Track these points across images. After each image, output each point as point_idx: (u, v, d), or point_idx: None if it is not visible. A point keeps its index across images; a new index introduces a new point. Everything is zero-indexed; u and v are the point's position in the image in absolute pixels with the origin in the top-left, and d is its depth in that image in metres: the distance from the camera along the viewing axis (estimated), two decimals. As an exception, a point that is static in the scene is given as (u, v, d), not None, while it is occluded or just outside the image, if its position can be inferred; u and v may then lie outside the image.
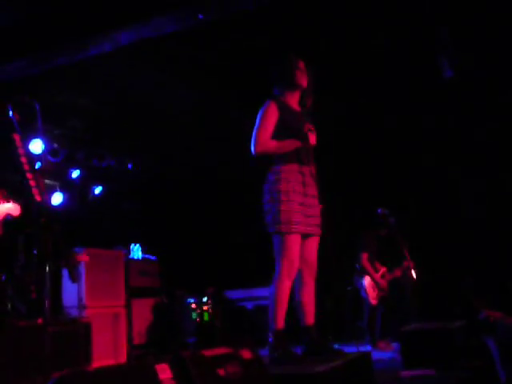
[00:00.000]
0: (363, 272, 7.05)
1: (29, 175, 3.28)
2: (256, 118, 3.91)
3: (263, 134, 3.82)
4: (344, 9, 5.79)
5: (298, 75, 3.98)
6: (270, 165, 3.90)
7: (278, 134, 3.86)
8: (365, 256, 7.01)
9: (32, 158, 3.46)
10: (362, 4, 5.72)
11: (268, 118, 3.86)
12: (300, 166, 3.86)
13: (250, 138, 3.88)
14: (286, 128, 3.87)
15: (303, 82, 4.01)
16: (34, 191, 3.25)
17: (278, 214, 3.73)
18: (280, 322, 3.68)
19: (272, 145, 3.83)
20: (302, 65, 4.03)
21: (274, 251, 3.81)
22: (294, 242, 3.73)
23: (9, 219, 4.06)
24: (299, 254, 3.77)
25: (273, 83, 4.08)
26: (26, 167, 3.29)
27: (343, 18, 5.97)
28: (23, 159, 3.30)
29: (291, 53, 4.08)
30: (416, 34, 6.17)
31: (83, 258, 6.25)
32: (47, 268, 3.40)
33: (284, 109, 3.91)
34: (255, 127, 3.86)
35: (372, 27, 6.16)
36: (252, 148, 3.83)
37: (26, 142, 7.26)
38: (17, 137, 3.36)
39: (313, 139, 3.95)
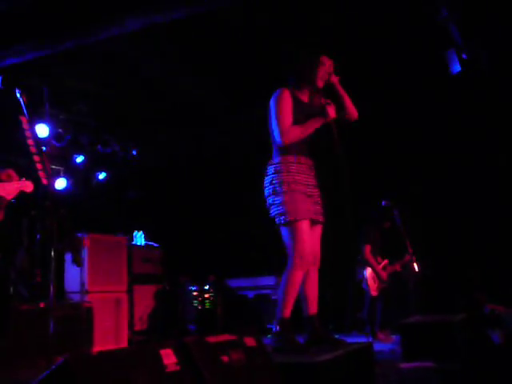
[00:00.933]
0: (365, 264, 7.08)
1: (35, 158, 3.27)
2: (270, 108, 3.87)
3: (286, 122, 3.78)
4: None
5: (320, 75, 3.94)
6: (271, 158, 3.89)
7: None
8: (368, 248, 7.03)
9: (38, 141, 3.45)
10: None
11: (285, 105, 3.81)
12: (297, 156, 3.85)
13: (271, 128, 3.85)
14: (295, 120, 3.84)
15: (321, 82, 3.97)
16: (41, 174, 3.25)
17: (283, 205, 3.73)
18: (287, 311, 3.70)
19: (298, 131, 3.79)
20: (329, 63, 3.98)
21: (285, 243, 3.80)
22: (302, 231, 3.72)
23: (13, 202, 4.05)
24: (310, 242, 3.77)
25: (289, 73, 4.02)
26: (33, 150, 3.28)
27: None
28: (30, 142, 3.30)
29: (320, 50, 4.02)
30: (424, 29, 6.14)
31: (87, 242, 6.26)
32: (52, 252, 3.41)
33: (295, 100, 3.89)
34: (274, 117, 3.80)
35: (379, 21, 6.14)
36: (278, 139, 3.76)
37: (32, 125, 7.27)
38: (24, 119, 3.35)
39: (332, 112, 3.91)
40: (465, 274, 8.07)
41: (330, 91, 4.03)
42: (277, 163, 3.84)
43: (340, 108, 4.01)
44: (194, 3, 5.32)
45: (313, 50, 4.01)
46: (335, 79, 3.96)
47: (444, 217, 8.37)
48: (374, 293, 7.00)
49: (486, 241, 7.98)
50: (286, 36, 6.13)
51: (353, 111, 4.06)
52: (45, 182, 3.20)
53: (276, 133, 3.78)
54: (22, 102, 3.37)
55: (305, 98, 3.99)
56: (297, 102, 3.88)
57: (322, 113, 3.88)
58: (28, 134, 3.29)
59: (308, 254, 3.74)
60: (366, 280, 7.04)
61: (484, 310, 6.85)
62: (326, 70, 3.94)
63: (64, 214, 3.19)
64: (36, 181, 3.41)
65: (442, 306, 7.44)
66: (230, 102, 8.01)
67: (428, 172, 8.51)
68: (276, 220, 3.80)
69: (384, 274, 7.04)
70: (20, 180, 3.58)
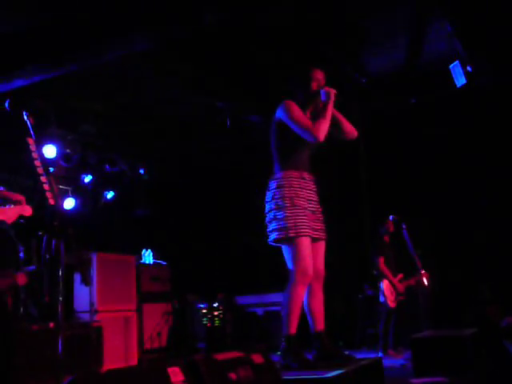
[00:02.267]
0: (381, 276, 7.02)
1: (43, 179, 3.30)
2: (280, 118, 3.88)
3: (308, 122, 3.80)
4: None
5: (314, 88, 3.96)
6: (272, 173, 3.90)
7: (286, 135, 3.86)
8: (381, 260, 7.00)
9: (46, 162, 3.48)
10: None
11: (298, 110, 3.84)
12: (300, 172, 3.86)
13: (272, 142, 3.91)
14: (298, 136, 3.85)
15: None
16: (48, 195, 3.27)
17: (285, 220, 3.71)
18: (293, 327, 3.68)
19: (323, 123, 3.77)
20: (321, 75, 4.00)
21: (286, 259, 3.80)
22: (304, 246, 3.71)
23: (22, 222, 4.10)
24: (311, 258, 3.76)
25: (291, 88, 4.05)
26: (40, 171, 3.31)
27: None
28: (37, 163, 3.32)
29: (312, 65, 4.05)
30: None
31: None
32: (60, 272, 3.42)
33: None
34: (293, 123, 3.80)
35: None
36: (313, 139, 3.77)
37: (39, 146, 7.32)
38: (31, 141, 3.38)
39: (331, 92, 3.88)
40: (475, 288, 8.03)
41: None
42: (279, 178, 3.83)
43: (338, 130, 4.03)
44: (197, 26, 5.38)
45: (305, 64, 4.05)
46: (331, 100, 3.92)
47: (454, 231, 8.34)
48: (392, 304, 6.92)
49: (497, 255, 7.95)
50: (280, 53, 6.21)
51: (351, 130, 4.07)
52: (52, 202, 3.22)
53: (306, 135, 3.78)
54: (29, 124, 3.40)
55: (308, 112, 4.01)
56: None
57: (325, 97, 3.87)
58: (35, 155, 3.31)
59: (309, 270, 3.73)
60: (383, 292, 6.97)
61: (500, 323, 6.79)
62: (319, 84, 3.97)
63: (71, 233, 3.19)
64: (43, 201, 3.43)
65: (452, 321, 7.40)
66: (239, 119, 8.03)
67: (438, 186, 8.50)
68: (275, 235, 3.78)
69: (401, 287, 6.99)
70: (19, 203, 3.65)
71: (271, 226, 3.81)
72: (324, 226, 3.92)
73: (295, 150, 3.88)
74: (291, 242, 3.71)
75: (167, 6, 5.18)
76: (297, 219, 3.70)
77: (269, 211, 3.84)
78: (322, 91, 3.90)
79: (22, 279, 4.01)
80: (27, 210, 3.86)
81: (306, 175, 3.88)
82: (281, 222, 3.74)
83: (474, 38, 5.98)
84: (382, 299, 6.97)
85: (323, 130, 3.77)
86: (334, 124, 3.97)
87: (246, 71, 6.80)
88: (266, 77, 6.70)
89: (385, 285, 6.97)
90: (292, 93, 4.00)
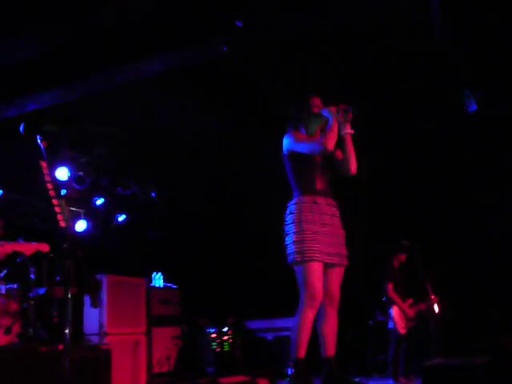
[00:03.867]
0: (390, 302, 6.97)
1: (54, 201, 3.34)
2: (287, 146, 3.99)
3: (313, 138, 3.96)
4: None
5: (316, 111, 4.05)
6: (290, 198, 3.98)
7: (297, 164, 3.93)
8: (390, 286, 6.95)
9: (58, 184, 3.54)
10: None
11: (300, 134, 4.02)
12: (313, 196, 3.90)
13: (288, 170, 4.03)
14: (310, 162, 3.93)
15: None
16: (59, 217, 3.32)
17: (294, 245, 3.81)
18: (301, 352, 3.68)
19: (331, 135, 3.87)
20: (318, 101, 4.09)
21: (298, 283, 3.82)
22: (313, 271, 3.74)
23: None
24: (321, 283, 3.77)
25: (291, 116, 4.14)
26: (52, 193, 3.36)
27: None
28: (49, 186, 3.38)
29: (308, 94, 4.14)
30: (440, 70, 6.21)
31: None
32: (69, 294, 3.44)
33: None
34: (299, 145, 3.93)
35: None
36: (324, 153, 3.89)
37: (52, 169, 7.39)
38: (44, 164, 3.44)
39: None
40: (487, 315, 7.94)
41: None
42: (292, 204, 3.92)
43: (343, 162, 4.08)
44: (210, 51, 5.46)
45: (301, 93, 4.15)
46: (349, 134, 4.02)
47: (465, 258, 8.29)
48: (402, 331, 6.84)
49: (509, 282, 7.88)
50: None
51: (354, 167, 4.13)
52: (63, 224, 3.27)
53: (316, 148, 3.88)
54: (43, 148, 3.46)
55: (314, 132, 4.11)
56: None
57: (327, 115, 3.99)
58: (48, 178, 3.37)
59: (318, 294, 3.74)
60: (393, 318, 6.91)
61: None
62: (319, 108, 4.04)
63: (81, 256, 3.22)
64: (55, 223, 3.47)
65: (464, 348, 7.30)
66: (251, 142, 8.08)
67: (449, 212, 8.47)
68: (289, 259, 3.85)
69: (411, 312, 6.93)
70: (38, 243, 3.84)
71: (287, 250, 3.90)
72: (344, 250, 3.94)
73: (308, 175, 3.94)
74: (300, 266, 3.75)
75: (180, 32, 5.26)
76: (304, 244, 3.74)
77: (287, 233, 3.94)
78: (323, 111, 3.99)
79: (46, 247, 4.17)
80: (45, 247, 4.05)
81: (320, 200, 3.91)
82: (291, 247, 3.83)
83: (483, 63, 6.02)
84: (391, 326, 6.91)
85: (330, 140, 3.87)
86: (343, 156, 4.06)
87: (253, 98, 6.89)
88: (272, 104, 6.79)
89: (395, 311, 6.91)
90: (297, 119, 4.09)
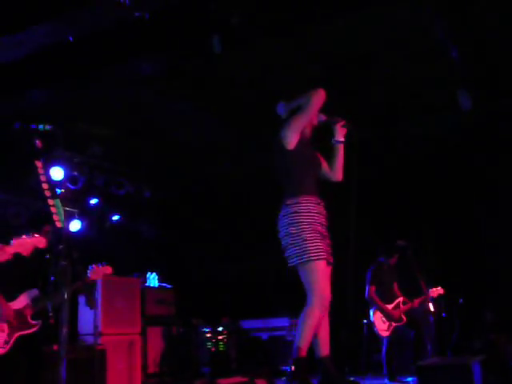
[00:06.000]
0: (371, 305, 6.91)
1: (50, 201, 3.33)
2: (277, 149, 3.99)
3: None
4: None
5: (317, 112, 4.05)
6: (287, 198, 3.91)
7: (294, 165, 3.92)
8: (372, 289, 6.89)
9: (53, 184, 3.51)
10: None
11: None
12: (317, 197, 3.91)
13: (281, 170, 4.01)
14: (304, 162, 3.91)
15: (315, 121, 4.11)
16: (55, 218, 3.30)
17: (305, 244, 3.74)
18: (304, 351, 3.67)
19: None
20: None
21: (304, 283, 3.80)
22: (322, 270, 3.75)
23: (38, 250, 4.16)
24: (329, 282, 3.79)
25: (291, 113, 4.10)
26: (48, 194, 3.34)
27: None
28: (45, 186, 3.35)
29: (314, 87, 4.11)
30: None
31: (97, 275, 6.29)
32: (65, 295, 3.42)
33: (301, 141, 3.97)
34: (291, 123, 3.99)
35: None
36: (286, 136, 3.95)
37: (47, 168, 7.36)
38: (39, 164, 3.41)
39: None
40: (482, 314, 7.97)
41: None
42: (296, 203, 3.85)
43: (331, 169, 4.13)
44: (205, 51, 5.44)
45: (313, 86, 4.11)
46: (342, 142, 4.08)
47: (460, 257, 8.32)
48: (384, 334, 6.78)
49: (504, 281, 7.91)
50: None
51: (340, 174, 4.18)
52: (59, 225, 3.25)
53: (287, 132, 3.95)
54: (38, 147, 3.44)
55: (305, 138, 4.08)
56: (302, 143, 3.99)
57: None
58: (43, 178, 3.35)
59: (327, 293, 3.74)
60: (373, 322, 6.86)
61: (508, 350, 6.74)
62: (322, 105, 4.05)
63: (76, 257, 3.21)
64: (51, 224, 3.46)
65: (458, 347, 7.33)
66: (245, 142, 8.08)
67: (444, 211, 8.49)
68: (294, 260, 3.80)
69: (395, 313, 6.81)
70: (34, 237, 3.74)
71: (290, 251, 3.83)
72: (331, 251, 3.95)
73: (309, 175, 3.93)
74: (310, 265, 3.73)
75: (174, 32, 5.25)
76: (315, 243, 3.73)
77: (285, 236, 3.86)
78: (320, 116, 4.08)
79: (42, 242, 4.09)
80: (42, 242, 3.95)
81: (319, 200, 3.93)
82: (300, 246, 3.76)
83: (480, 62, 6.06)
84: (374, 329, 6.86)
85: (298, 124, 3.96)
86: (332, 163, 4.15)
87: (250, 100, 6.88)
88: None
89: (374, 315, 6.83)
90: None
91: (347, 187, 4.11)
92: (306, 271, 3.76)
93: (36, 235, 3.93)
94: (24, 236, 3.92)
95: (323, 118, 4.08)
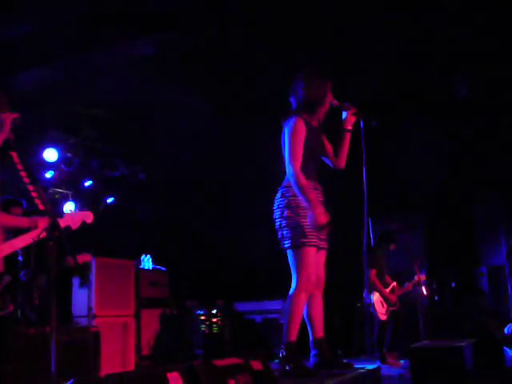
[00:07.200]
0: (372, 288, 6.99)
1: (30, 187, 3.37)
2: (285, 136, 3.88)
3: (297, 164, 3.77)
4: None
5: (326, 98, 3.98)
6: (286, 180, 3.88)
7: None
8: (373, 272, 6.97)
9: (31, 170, 3.55)
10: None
11: (299, 140, 3.81)
12: (316, 183, 3.90)
13: (283, 156, 3.88)
14: (308, 147, 3.85)
15: (327, 105, 4.01)
16: (37, 201, 3.33)
17: (298, 228, 3.72)
18: (293, 335, 3.69)
19: (301, 182, 3.74)
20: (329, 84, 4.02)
21: (291, 265, 3.80)
22: (311, 254, 3.75)
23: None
24: (315, 267, 3.79)
25: (297, 99, 4.03)
26: (27, 180, 3.38)
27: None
28: (23, 173, 3.39)
29: (323, 74, 4.05)
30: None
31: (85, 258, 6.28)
32: (52, 276, 3.43)
33: (308, 127, 3.88)
34: (288, 150, 3.81)
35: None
36: (288, 175, 3.79)
37: (40, 149, 7.33)
38: (14, 154, 3.43)
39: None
40: (469, 299, 8.03)
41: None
42: (287, 187, 3.83)
43: (335, 155, 4.08)
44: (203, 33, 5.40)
45: (323, 73, 4.05)
46: (349, 131, 4.01)
47: (453, 241, 8.36)
48: (382, 317, 6.89)
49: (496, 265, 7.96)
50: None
51: (343, 162, 4.10)
52: (42, 207, 3.29)
53: (288, 170, 3.79)
54: (10, 138, 3.41)
55: (315, 122, 4.01)
56: (309, 128, 3.88)
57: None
58: (19, 166, 3.37)
59: (313, 278, 3.75)
60: (373, 305, 6.95)
61: (500, 332, 6.80)
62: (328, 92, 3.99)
63: (61, 235, 3.20)
64: (34, 207, 3.48)
65: (450, 330, 7.38)
66: (239, 126, 8.05)
67: (437, 197, 8.52)
68: (285, 243, 3.79)
69: (392, 297, 6.94)
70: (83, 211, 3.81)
71: (283, 233, 3.81)
72: (325, 236, 3.94)
73: (308, 160, 3.88)
74: (299, 249, 3.73)
75: (170, 14, 5.21)
76: (303, 228, 3.71)
77: (280, 217, 3.84)
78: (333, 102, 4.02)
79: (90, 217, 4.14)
80: (89, 216, 4.05)
81: (317, 185, 3.91)
82: (293, 230, 3.74)
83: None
84: (373, 311, 6.95)
85: (298, 183, 3.73)
86: (337, 151, 4.06)
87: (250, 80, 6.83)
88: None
89: (375, 297, 6.93)
90: (302, 103, 4.00)
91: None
92: (293, 255, 3.77)
93: (86, 211, 4.03)
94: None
95: (336, 103, 4.01)
